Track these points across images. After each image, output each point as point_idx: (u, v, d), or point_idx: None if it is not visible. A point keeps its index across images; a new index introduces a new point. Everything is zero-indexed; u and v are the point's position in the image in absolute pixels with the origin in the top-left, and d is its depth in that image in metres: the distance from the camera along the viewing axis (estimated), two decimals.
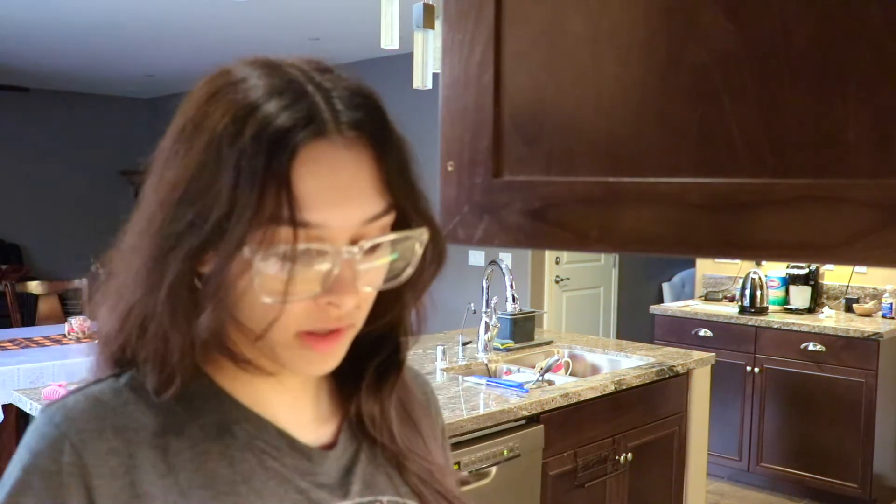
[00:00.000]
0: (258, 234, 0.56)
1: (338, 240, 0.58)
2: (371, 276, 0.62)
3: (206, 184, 0.56)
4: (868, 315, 4.17)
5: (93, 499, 0.59)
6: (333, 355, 0.63)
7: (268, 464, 0.64)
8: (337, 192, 0.58)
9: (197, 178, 0.57)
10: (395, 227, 0.62)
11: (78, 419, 0.61)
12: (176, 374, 0.61)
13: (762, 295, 4.27)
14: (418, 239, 0.63)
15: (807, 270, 4.32)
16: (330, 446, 0.69)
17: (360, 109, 0.59)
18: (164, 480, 0.60)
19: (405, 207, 0.62)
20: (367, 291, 0.62)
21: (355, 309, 0.61)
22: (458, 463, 2.17)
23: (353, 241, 0.59)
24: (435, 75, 2.78)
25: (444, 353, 2.91)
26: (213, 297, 0.58)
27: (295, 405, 0.69)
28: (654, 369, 2.85)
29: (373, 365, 0.71)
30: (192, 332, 0.59)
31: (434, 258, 0.67)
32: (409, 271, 0.63)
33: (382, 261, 0.62)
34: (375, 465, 0.70)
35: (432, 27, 2.67)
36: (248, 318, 0.61)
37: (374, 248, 0.61)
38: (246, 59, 0.62)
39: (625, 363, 3.02)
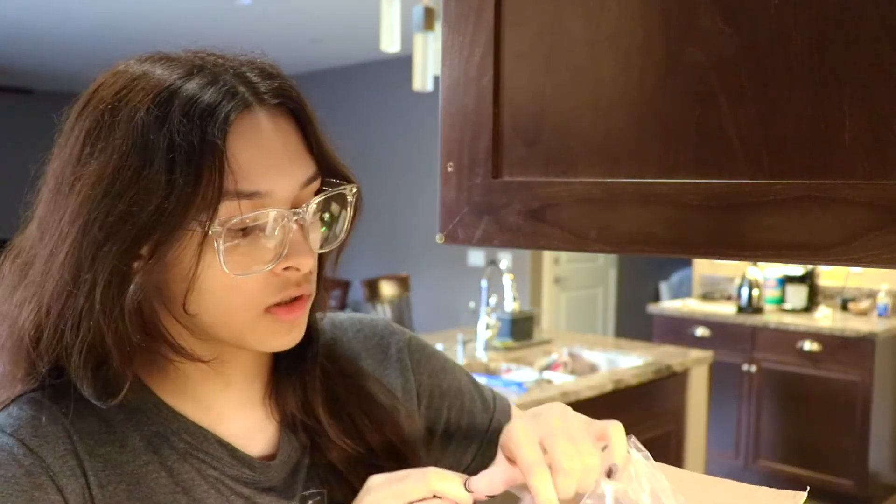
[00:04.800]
0: (203, 214, 0.55)
1: (283, 206, 0.59)
2: (317, 237, 0.63)
3: (135, 171, 0.55)
4: (863, 314, 4.18)
5: (66, 498, 0.57)
6: (299, 324, 0.63)
7: (207, 472, 0.63)
8: (274, 160, 0.59)
9: (124, 168, 0.55)
10: (321, 192, 0.63)
11: (27, 424, 0.59)
12: (119, 378, 0.59)
13: (759, 294, 4.28)
14: (350, 194, 0.65)
15: (803, 270, 4.33)
16: (275, 454, 0.67)
17: (275, 79, 0.61)
18: (104, 490, 0.59)
19: (329, 170, 0.64)
20: (319, 253, 0.63)
21: (311, 273, 0.62)
22: None
23: (296, 206, 0.60)
24: (435, 78, 2.78)
25: (443, 351, 2.90)
26: (152, 288, 0.58)
27: (238, 411, 0.67)
28: (652, 368, 2.85)
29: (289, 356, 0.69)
30: (129, 329, 0.57)
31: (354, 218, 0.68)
32: (346, 227, 0.65)
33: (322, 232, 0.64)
34: (321, 459, 0.68)
35: (432, 29, 2.68)
36: (203, 307, 0.59)
37: (315, 209, 0.62)
38: (133, 58, 0.62)
39: (623, 362, 3.02)
